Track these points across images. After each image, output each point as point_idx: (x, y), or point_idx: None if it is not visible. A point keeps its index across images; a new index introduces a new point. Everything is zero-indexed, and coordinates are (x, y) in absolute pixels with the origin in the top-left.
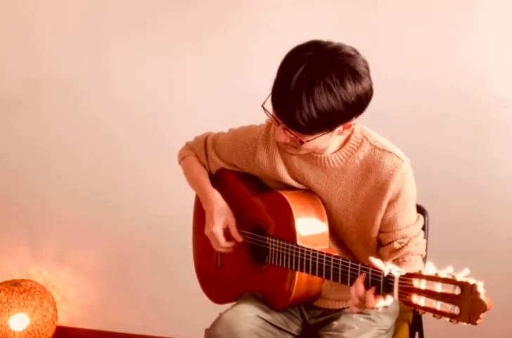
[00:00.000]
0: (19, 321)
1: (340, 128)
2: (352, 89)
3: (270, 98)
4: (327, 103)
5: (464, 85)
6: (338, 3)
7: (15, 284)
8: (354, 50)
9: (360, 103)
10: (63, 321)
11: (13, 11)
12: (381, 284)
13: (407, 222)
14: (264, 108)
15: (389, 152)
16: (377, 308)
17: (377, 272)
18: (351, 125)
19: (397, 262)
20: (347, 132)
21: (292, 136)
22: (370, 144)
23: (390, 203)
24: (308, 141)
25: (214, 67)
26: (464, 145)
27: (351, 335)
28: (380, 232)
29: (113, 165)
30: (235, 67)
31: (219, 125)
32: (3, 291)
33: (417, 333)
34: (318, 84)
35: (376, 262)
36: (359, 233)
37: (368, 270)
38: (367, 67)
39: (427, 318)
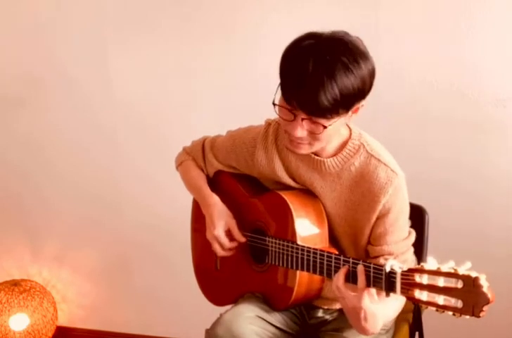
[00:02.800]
0: (19, 321)
1: (350, 113)
2: (364, 66)
3: (281, 93)
4: (348, 81)
5: (464, 85)
6: (338, 3)
7: (15, 284)
8: (346, 33)
9: (370, 80)
10: (63, 321)
11: (14, 10)
12: (383, 280)
13: (396, 239)
14: (274, 105)
15: (385, 164)
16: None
17: (379, 268)
18: (358, 109)
19: None
20: (354, 116)
21: (313, 125)
22: (367, 151)
23: (381, 218)
24: (330, 125)
25: (214, 68)
26: (464, 144)
27: (351, 335)
28: (369, 243)
29: (113, 166)
30: (236, 68)
31: (219, 126)
32: (3, 291)
33: (417, 333)
34: (337, 63)
35: None
36: (351, 238)
37: (369, 268)
38: (364, 45)
39: (427, 318)
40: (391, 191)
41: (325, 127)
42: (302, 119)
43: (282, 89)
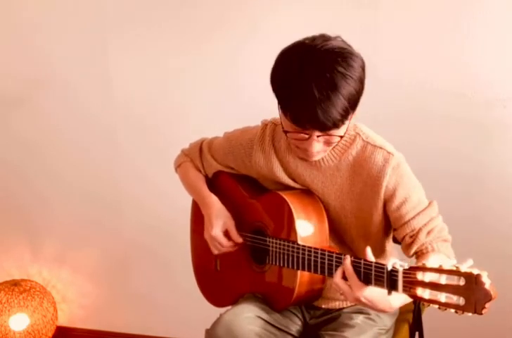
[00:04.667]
0: (19, 321)
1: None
2: (356, 65)
3: (289, 118)
4: (351, 89)
5: (464, 85)
6: (338, 4)
7: (15, 284)
8: (324, 35)
9: (364, 73)
10: (63, 321)
11: (13, 11)
12: (385, 279)
13: (413, 214)
14: (286, 132)
15: (380, 147)
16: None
17: (380, 267)
18: None
19: (420, 255)
20: None
21: (328, 137)
22: (363, 140)
23: (389, 200)
24: (344, 132)
25: (214, 69)
26: (464, 145)
27: (351, 335)
28: (394, 230)
29: (113, 166)
30: (236, 68)
31: (219, 126)
32: (3, 291)
33: (417, 333)
34: (336, 76)
35: (369, 252)
36: (358, 229)
37: (370, 266)
38: (344, 41)
39: (427, 318)
40: (390, 171)
41: (341, 137)
42: (318, 136)
43: (291, 115)
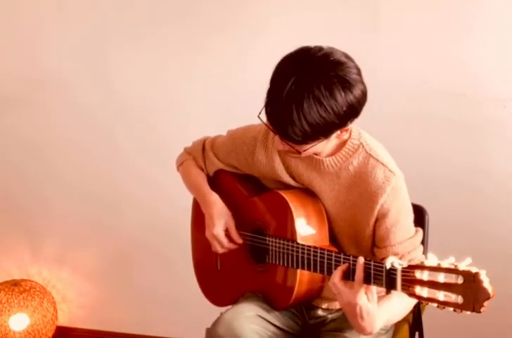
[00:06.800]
0: (19, 321)
1: (338, 133)
2: (342, 100)
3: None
4: (318, 116)
5: (464, 85)
6: (338, 5)
7: (15, 284)
8: (345, 55)
9: (353, 111)
10: (63, 321)
11: (13, 11)
12: (384, 277)
13: (400, 239)
14: (260, 119)
15: (382, 164)
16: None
17: (379, 265)
18: (348, 129)
19: None
20: (345, 135)
21: (288, 146)
22: (366, 151)
23: (381, 219)
24: (305, 150)
25: (214, 68)
26: (463, 145)
27: (351, 335)
28: (375, 246)
29: (113, 165)
30: (235, 68)
31: (219, 126)
32: (3, 291)
33: (417, 333)
34: (308, 97)
35: None
36: (351, 238)
37: (370, 265)
38: (359, 73)
39: (427, 318)
40: (389, 190)
41: (299, 152)
42: (280, 138)
43: (265, 110)
